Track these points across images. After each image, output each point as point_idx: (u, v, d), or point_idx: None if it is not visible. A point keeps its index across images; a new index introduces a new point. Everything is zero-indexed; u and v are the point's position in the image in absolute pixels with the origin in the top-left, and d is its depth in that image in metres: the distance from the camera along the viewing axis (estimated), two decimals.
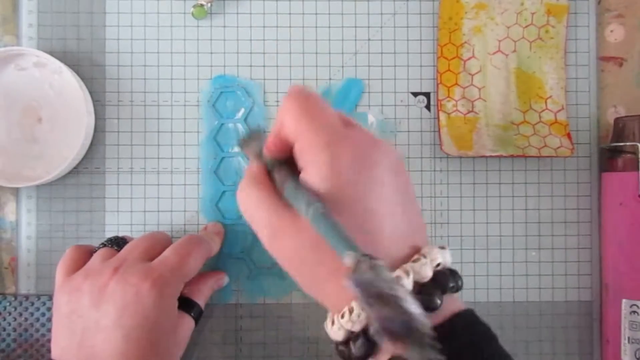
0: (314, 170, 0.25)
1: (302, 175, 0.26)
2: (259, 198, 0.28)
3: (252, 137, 0.35)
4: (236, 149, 0.40)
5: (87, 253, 0.36)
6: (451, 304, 0.26)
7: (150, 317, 0.32)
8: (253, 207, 0.28)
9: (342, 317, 0.24)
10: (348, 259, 0.22)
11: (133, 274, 0.32)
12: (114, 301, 0.32)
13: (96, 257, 0.35)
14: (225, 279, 0.40)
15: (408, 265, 0.25)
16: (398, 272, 0.24)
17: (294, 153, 0.27)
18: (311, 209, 0.24)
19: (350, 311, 0.24)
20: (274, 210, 0.27)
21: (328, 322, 0.26)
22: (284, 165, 0.28)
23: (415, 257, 0.25)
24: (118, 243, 0.37)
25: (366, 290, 0.21)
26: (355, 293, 0.21)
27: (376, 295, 0.21)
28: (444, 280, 0.25)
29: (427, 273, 0.25)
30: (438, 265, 0.25)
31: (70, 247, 0.36)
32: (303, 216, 0.25)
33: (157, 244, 0.35)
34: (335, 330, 0.25)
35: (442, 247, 0.26)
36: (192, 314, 0.36)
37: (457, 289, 0.26)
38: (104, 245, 0.37)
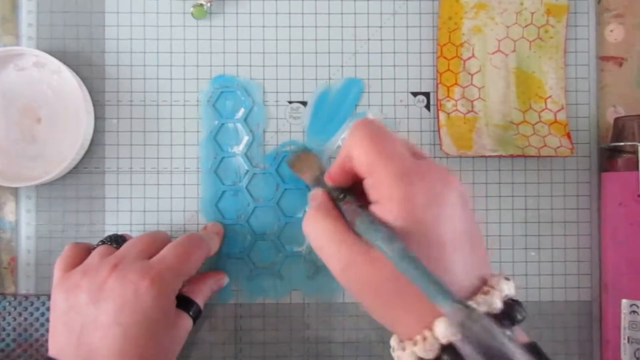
0: (387, 205, 0.25)
1: (373, 208, 0.26)
2: (328, 230, 0.27)
3: (302, 157, 0.35)
4: (288, 167, 0.40)
5: (85, 250, 0.36)
6: (518, 336, 0.26)
7: (148, 314, 0.32)
8: (323, 238, 0.28)
9: (415, 344, 0.25)
10: (448, 309, 0.22)
11: (132, 272, 0.32)
12: (113, 298, 0.32)
13: (95, 254, 0.35)
14: (225, 279, 0.40)
15: (479, 298, 0.25)
16: (470, 304, 0.24)
17: (364, 185, 0.27)
18: (394, 248, 0.24)
19: (424, 339, 0.24)
20: (345, 242, 0.27)
21: (395, 346, 0.26)
22: (349, 195, 0.28)
23: (485, 288, 0.25)
24: (117, 241, 0.37)
25: (478, 347, 0.21)
26: (466, 350, 0.22)
27: (489, 353, 0.21)
28: (513, 312, 0.25)
29: (498, 304, 0.25)
30: (505, 296, 0.26)
31: (68, 244, 0.36)
32: (384, 254, 0.25)
33: (156, 242, 0.35)
34: (407, 356, 0.25)
35: (507, 278, 0.26)
36: (190, 313, 0.36)
37: (523, 319, 0.26)
38: (102, 242, 0.37)
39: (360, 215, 0.26)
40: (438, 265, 0.25)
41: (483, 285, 0.26)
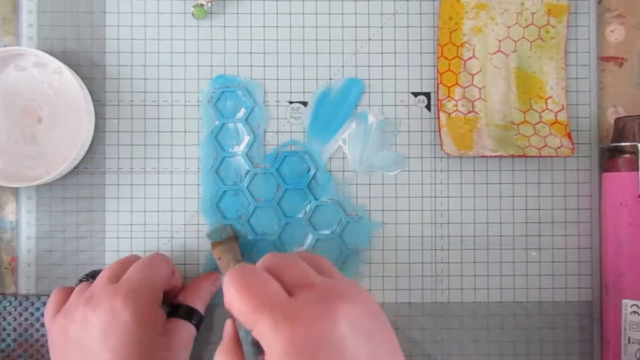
0: (271, 357, 0.24)
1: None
2: None
3: (226, 239, 0.36)
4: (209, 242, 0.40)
5: (69, 293, 0.36)
6: None
7: (132, 331, 0.32)
8: None
9: None
10: None
11: (103, 297, 0.32)
12: (95, 328, 0.32)
13: (73, 294, 0.35)
14: (221, 279, 0.40)
15: None
16: None
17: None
18: None
19: None
20: None
21: None
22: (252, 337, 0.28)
23: None
24: (94, 276, 0.37)
25: None
26: None
27: None
28: None
29: None
30: None
31: (53, 291, 0.36)
32: None
33: (125, 266, 0.36)
34: None
35: None
36: (192, 321, 0.36)
37: None
38: (79, 279, 0.37)
39: None
40: None
41: None
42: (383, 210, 0.42)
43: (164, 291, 0.36)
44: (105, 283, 0.34)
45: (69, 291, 0.36)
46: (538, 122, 0.41)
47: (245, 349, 0.28)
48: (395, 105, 0.42)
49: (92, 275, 0.37)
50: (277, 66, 0.42)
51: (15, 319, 0.40)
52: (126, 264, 0.36)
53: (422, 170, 0.42)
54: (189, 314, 0.36)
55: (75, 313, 0.33)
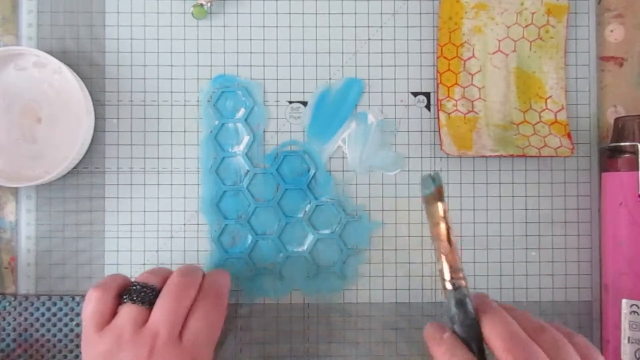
0: None
1: None
2: None
3: (430, 195, 0.30)
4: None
5: (114, 299, 0.33)
6: None
7: None
8: None
9: None
10: None
11: (171, 358, 0.32)
12: None
13: (125, 318, 0.32)
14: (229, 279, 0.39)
15: None
16: None
17: None
18: None
19: None
20: None
21: None
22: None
23: None
24: (145, 296, 0.33)
25: None
26: None
27: None
28: None
29: None
30: None
31: (93, 292, 0.33)
32: None
33: (184, 306, 0.33)
34: None
35: None
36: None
37: None
38: (130, 297, 0.33)
39: None
40: None
41: None
42: (383, 210, 0.42)
43: None
44: (170, 337, 0.32)
45: (110, 297, 0.33)
46: (538, 122, 0.41)
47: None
48: (395, 105, 0.42)
49: (144, 294, 0.33)
50: (277, 66, 0.42)
51: (14, 319, 0.40)
52: (187, 300, 0.34)
53: (421, 170, 0.42)
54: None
55: (132, 351, 0.32)
